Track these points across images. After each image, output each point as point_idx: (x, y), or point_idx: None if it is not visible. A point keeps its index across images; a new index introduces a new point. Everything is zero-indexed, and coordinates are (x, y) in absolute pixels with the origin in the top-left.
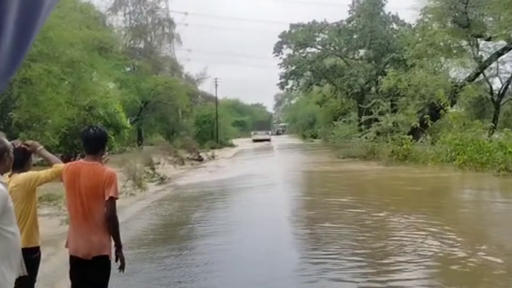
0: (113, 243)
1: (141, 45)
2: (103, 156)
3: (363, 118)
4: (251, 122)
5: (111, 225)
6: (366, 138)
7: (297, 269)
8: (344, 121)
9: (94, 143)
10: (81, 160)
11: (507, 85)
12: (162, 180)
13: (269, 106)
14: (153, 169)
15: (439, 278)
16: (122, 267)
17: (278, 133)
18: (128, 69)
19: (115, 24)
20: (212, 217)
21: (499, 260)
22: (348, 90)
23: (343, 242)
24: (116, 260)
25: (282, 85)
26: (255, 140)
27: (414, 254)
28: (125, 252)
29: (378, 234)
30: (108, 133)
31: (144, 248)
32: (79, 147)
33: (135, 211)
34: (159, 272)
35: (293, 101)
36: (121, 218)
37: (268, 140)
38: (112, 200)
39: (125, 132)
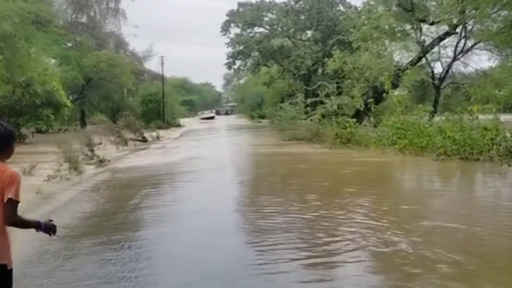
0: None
1: (84, 20)
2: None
3: (309, 100)
4: (200, 101)
5: (17, 227)
6: (311, 120)
7: (228, 269)
8: (290, 103)
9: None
10: None
11: (448, 69)
12: (101, 162)
13: (218, 85)
14: (92, 150)
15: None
16: (51, 231)
17: (227, 113)
18: (70, 44)
19: None
20: (148, 205)
21: (406, 248)
22: (295, 71)
23: (283, 235)
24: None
25: (229, 65)
26: (202, 119)
27: (337, 238)
28: (46, 247)
29: (320, 219)
30: (15, 133)
31: (68, 242)
32: (15, 125)
33: (66, 198)
34: (79, 271)
35: (242, 81)
36: (49, 207)
37: (213, 117)
38: (12, 202)
39: (65, 110)
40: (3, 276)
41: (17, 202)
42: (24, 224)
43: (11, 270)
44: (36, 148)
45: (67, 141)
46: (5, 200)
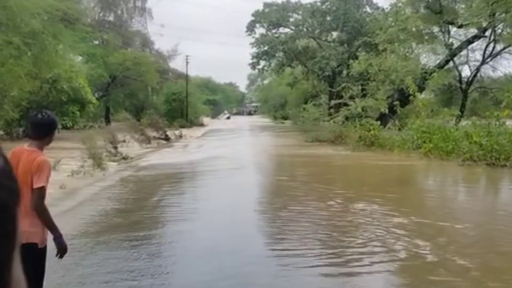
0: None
1: (111, 18)
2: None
3: (333, 102)
4: (223, 101)
5: (39, 216)
6: (334, 122)
7: (247, 269)
8: (314, 104)
9: (40, 129)
10: (25, 145)
11: (476, 73)
12: (124, 159)
13: (242, 85)
14: (115, 147)
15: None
16: (59, 253)
17: (250, 113)
18: (96, 42)
19: None
20: (169, 203)
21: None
22: (319, 72)
23: (303, 239)
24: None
25: (253, 66)
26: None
27: (363, 243)
28: (67, 243)
29: (341, 225)
30: (57, 121)
31: (89, 238)
32: None
33: (89, 194)
34: (99, 267)
35: (265, 82)
36: (72, 202)
37: (228, 118)
38: (39, 190)
39: (90, 107)
40: (34, 254)
41: (43, 188)
42: (47, 218)
43: (42, 249)
44: (61, 144)
45: (91, 138)
46: (34, 187)
